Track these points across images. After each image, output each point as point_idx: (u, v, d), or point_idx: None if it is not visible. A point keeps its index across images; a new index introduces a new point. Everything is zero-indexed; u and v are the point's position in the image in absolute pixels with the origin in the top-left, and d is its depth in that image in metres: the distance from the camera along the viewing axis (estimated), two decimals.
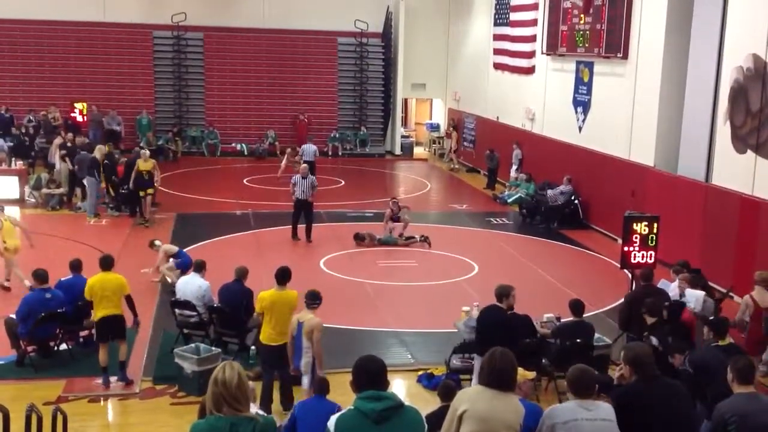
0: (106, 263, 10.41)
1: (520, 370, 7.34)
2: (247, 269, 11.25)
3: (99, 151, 19.85)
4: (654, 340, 9.05)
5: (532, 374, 7.91)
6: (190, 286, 11.48)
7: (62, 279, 11.27)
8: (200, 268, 11.75)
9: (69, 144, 21.28)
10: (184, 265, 13.61)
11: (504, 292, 9.56)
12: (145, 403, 9.89)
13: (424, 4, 31.15)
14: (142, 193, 18.93)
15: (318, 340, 8.95)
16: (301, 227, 17.54)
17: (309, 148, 23.70)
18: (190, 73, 29.69)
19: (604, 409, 5.44)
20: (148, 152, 19.83)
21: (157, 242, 14.45)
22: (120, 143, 27.31)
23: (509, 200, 22.49)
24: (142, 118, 28.29)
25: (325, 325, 10.87)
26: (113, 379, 10.25)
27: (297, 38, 30.29)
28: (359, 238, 17.35)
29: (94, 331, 10.62)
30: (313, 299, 9.23)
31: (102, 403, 9.93)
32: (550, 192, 20.44)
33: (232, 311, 10.94)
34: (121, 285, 10.24)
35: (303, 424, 6.98)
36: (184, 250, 14.73)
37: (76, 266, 11.37)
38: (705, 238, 15.01)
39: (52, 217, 19.47)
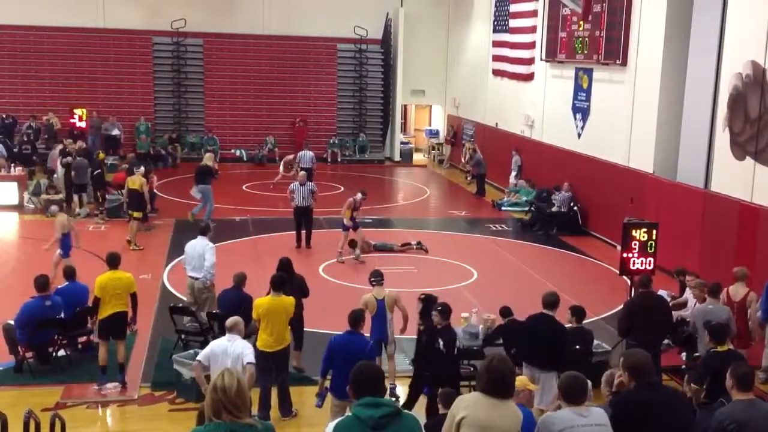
0: (114, 261, 10.40)
1: (523, 380, 7.30)
2: (246, 275, 11.24)
3: (209, 159, 20.18)
4: (440, 343, 8.94)
5: (534, 386, 7.88)
6: (198, 246, 12.11)
7: (59, 287, 11.23)
8: (206, 231, 12.40)
9: (67, 150, 21.29)
10: (67, 248, 14.15)
11: (556, 301, 9.41)
12: (143, 410, 9.88)
13: (424, 10, 31.19)
14: (137, 215, 17.43)
15: (404, 306, 10.35)
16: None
17: (306, 155, 23.66)
18: (189, 79, 29.70)
19: (597, 415, 5.48)
20: (143, 169, 18.35)
21: (54, 208, 14.81)
22: (119, 149, 27.35)
23: (507, 206, 22.53)
24: (140, 125, 28.28)
25: (323, 331, 10.93)
26: (111, 385, 10.24)
27: (296, 44, 30.32)
28: (355, 246, 17.31)
29: (95, 331, 10.59)
30: (377, 276, 10.31)
31: (100, 409, 9.92)
32: (561, 194, 20.22)
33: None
34: (130, 282, 10.32)
35: (339, 353, 8.25)
36: (182, 256, 14.72)
37: (70, 273, 11.38)
38: (704, 245, 15.01)
39: (51, 223, 19.40)
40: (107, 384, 10.22)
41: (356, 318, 8.58)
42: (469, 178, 26.94)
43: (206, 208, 19.08)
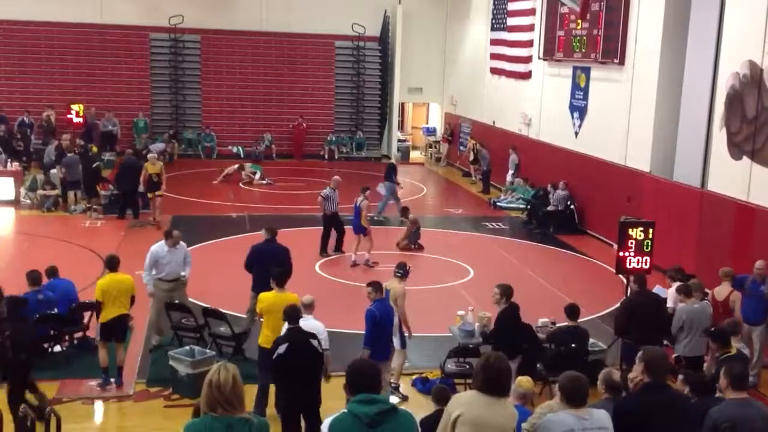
0: (114, 264, 10.37)
1: (529, 381, 7.22)
2: (277, 229, 11.88)
3: (394, 157, 21.56)
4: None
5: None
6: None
7: (44, 284, 11.15)
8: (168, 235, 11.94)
9: (63, 146, 21.25)
10: None
11: (512, 291, 9.69)
12: (139, 405, 9.88)
13: (422, 8, 31.18)
14: (150, 195, 19.10)
15: (402, 305, 10.09)
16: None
17: (158, 146, 25.10)
18: (187, 75, 29.64)
19: (599, 417, 5.38)
20: (156, 155, 20.26)
21: None
22: (116, 145, 27.29)
23: (505, 204, 22.53)
24: (138, 121, 28.24)
25: None
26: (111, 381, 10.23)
27: (294, 41, 30.27)
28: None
29: (97, 333, 10.55)
30: (398, 268, 10.40)
31: (96, 405, 9.91)
32: (558, 193, 20.24)
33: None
34: (131, 285, 10.28)
35: (380, 320, 9.35)
36: None
37: (53, 272, 11.40)
38: (700, 244, 15.03)
39: (47, 219, 19.43)
40: (109, 383, 10.21)
41: (381, 288, 9.53)
42: (477, 178, 26.07)
43: (377, 205, 20.14)
